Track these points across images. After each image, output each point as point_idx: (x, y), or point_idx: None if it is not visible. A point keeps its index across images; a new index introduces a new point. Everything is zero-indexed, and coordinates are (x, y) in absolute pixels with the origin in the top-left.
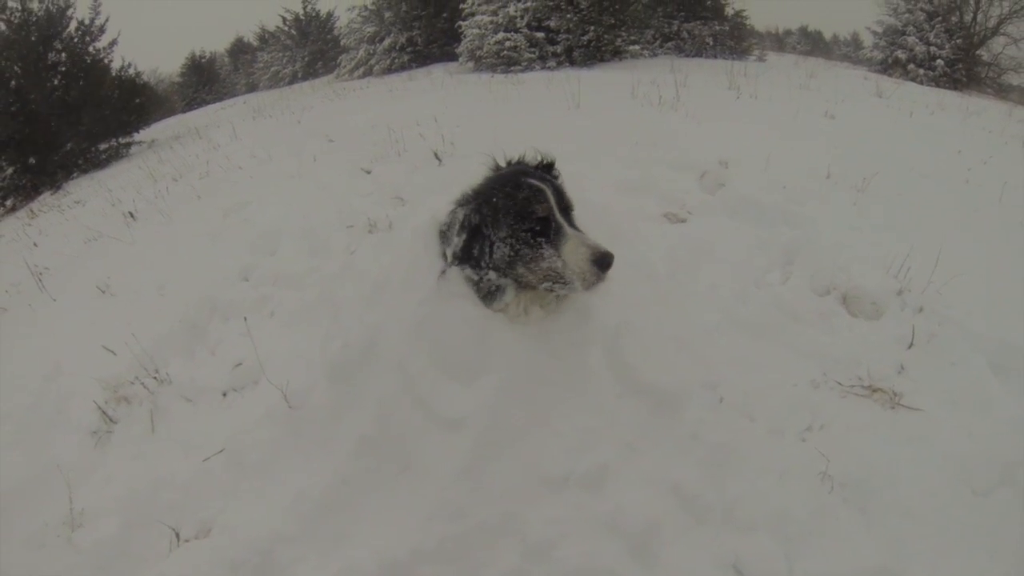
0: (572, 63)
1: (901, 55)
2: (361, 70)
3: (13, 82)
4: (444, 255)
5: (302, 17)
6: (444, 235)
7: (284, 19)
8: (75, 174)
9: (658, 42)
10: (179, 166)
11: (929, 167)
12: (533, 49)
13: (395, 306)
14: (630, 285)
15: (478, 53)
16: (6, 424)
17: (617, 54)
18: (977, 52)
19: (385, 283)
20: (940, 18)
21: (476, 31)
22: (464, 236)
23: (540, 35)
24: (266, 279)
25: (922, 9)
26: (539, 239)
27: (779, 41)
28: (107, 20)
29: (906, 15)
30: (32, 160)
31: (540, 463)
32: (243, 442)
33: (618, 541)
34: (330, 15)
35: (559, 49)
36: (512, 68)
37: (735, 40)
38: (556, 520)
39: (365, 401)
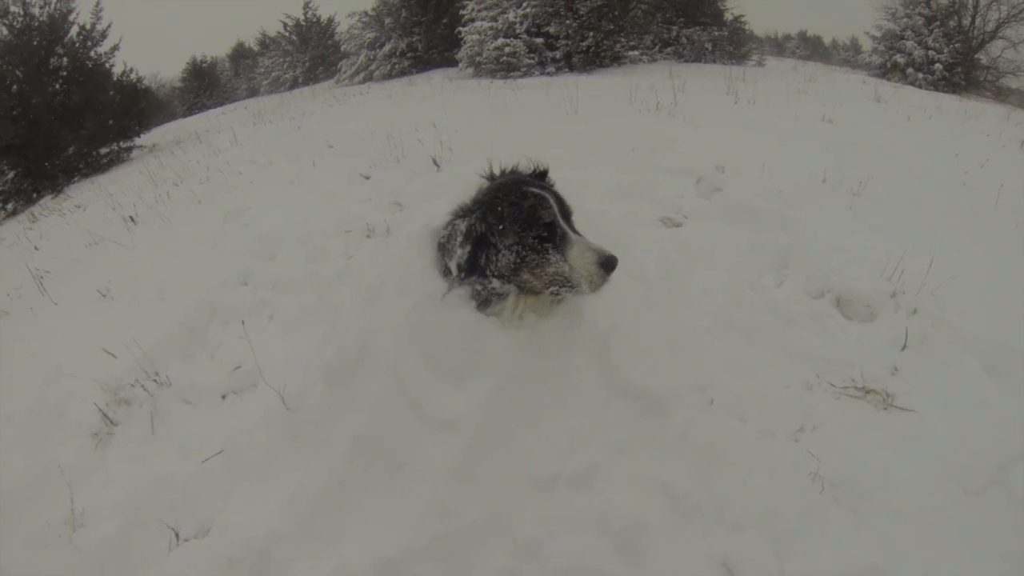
0: (571, 69)
1: (900, 59)
2: (361, 75)
3: (15, 86)
4: (445, 270)
5: (303, 23)
6: (443, 247)
7: (285, 25)
8: (76, 178)
9: (657, 47)
10: (180, 171)
11: (926, 171)
12: (532, 55)
13: (390, 310)
14: (622, 289)
15: (478, 59)
16: (8, 426)
17: (616, 60)
18: (976, 56)
19: (380, 288)
20: (939, 22)
21: (476, 37)
22: (469, 246)
23: (539, 41)
24: (265, 283)
25: (920, 14)
26: (545, 245)
27: (778, 46)
28: (109, 26)
29: (904, 20)
30: (33, 164)
31: (530, 464)
32: (241, 443)
33: (607, 540)
34: (331, 21)
35: (558, 55)
36: (511, 74)
37: (734, 45)
38: (545, 519)
39: (360, 403)
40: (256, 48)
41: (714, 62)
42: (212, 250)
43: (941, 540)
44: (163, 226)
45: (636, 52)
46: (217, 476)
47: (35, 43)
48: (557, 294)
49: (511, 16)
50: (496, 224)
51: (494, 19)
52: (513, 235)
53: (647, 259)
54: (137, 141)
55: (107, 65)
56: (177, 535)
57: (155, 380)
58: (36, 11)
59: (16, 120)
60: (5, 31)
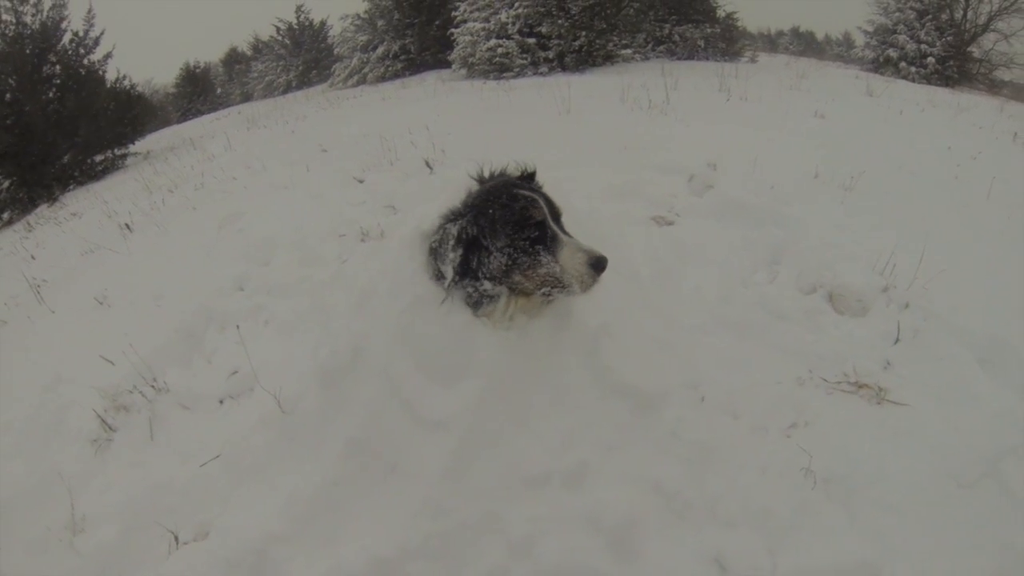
0: (564, 68)
1: (892, 53)
2: (355, 78)
3: (8, 95)
4: (436, 273)
5: (295, 26)
6: (435, 251)
7: (278, 28)
8: (71, 186)
9: (650, 46)
10: (174, 177)
11: (918, 164)
12: (525, 55)
13: (382, 313)
14: (612, 288)
15: (471, 60)
16: (8, 434)
17: (609, 58)
18: (968, 49)
19: (373, 291)
20: (930, 16)
21: (468, 38)
22: (461, 250)
23: (532, 41)
24: (260, 288)
25: (912, 8)
26: (536, 247)
27: (771, 42)
28: (102, 33)
29: (897, 14)
30: (28, 173)
31: (521, 463)
32: (239, 447)
33: (599, 537)
34: (323, 24)
35: (551, 55)
36: (504, 74)
37: (727, 42)
38: (537, 517)
39: (354, 405)
40: (249, 53)
41: (707, 59)
42: (208, 256)
43: (934, 534)
44: (159, 233)
45: (629, 51)
46: (215, 480)
47: (28, 51)
48: (548, 295)
49: (503, 17)
50: (487, 227)
51: (486, 20)
52: (504, 237)
53: (639, 258)
54: (132, 148)
55: (100, 72)
56: (176, 538)
57: (153, 386)
58: (28, 19)
59: (10, 129)
60: None
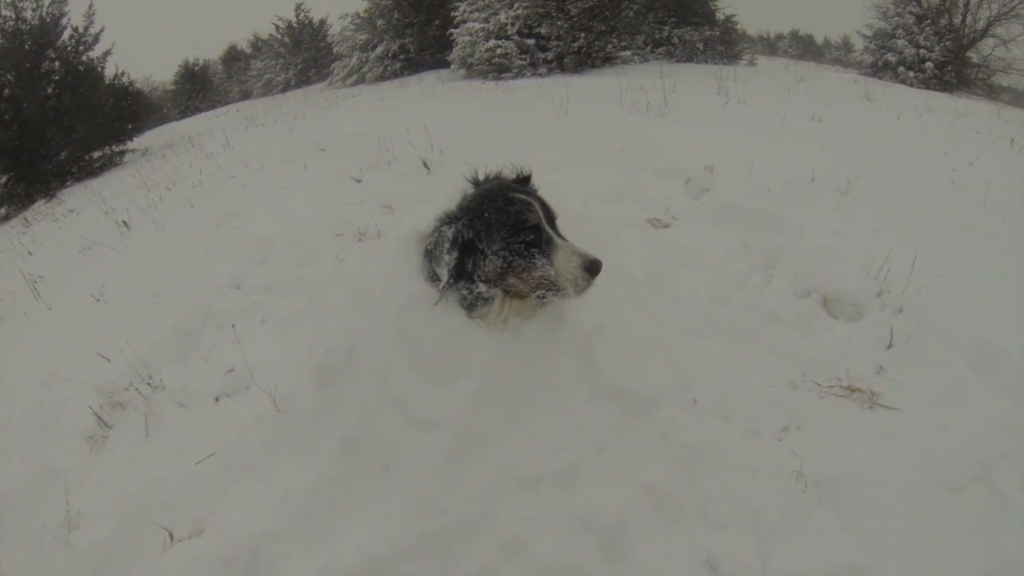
0: (563, 70)
1: (891, 58)
2: (354, 77)
3: (6, 91)
4: (431, 275)
5: (295, 25)
6: (430, 253)
7: (277, 27)
8: (69, 182)
9: (649, 48)
10: (172, 175)
11: (914, 169)
12: (524, 56)
13: (377, 313)
14: (606, 290)
15: (469, 60)
16: (4, 430)
17: (608, 60)
18: (966, 54)
19: (368, 291)
20: (929, 21)
21: (467, 38)
22: (456, 252)
23: (531, 42)
24: (258, 287)
25: (911, 12)
26: (531, 250)
27: (770, 45)
28: (102, 29)
29: (896, 18)
30: (26, 168)
31: (514, 463)
32: (234, 445)
33: (590, 538)
34: (323, 23)
35: (550, 56)
36: (503, 75)
37: (726, 45)
38: (530, 517)
39: (348, 404)
40: (248, 50)
41: (705, 62)
42: (205, 254)
43: (924, 538)
44: (156, 231)
45: (627, 52)
46: (210, 477)
47: (26, 47)
48: (543, 297)
49: (503, 17)
50: (482, 230)
51: (486, 20)
52: (500, 240)
53: (633, 260)
54: (130, 145)
55: (99, 69)
56: (171, 535)
57: (149, 383)
58: (28, 15)
59: (8, 125)
60: None
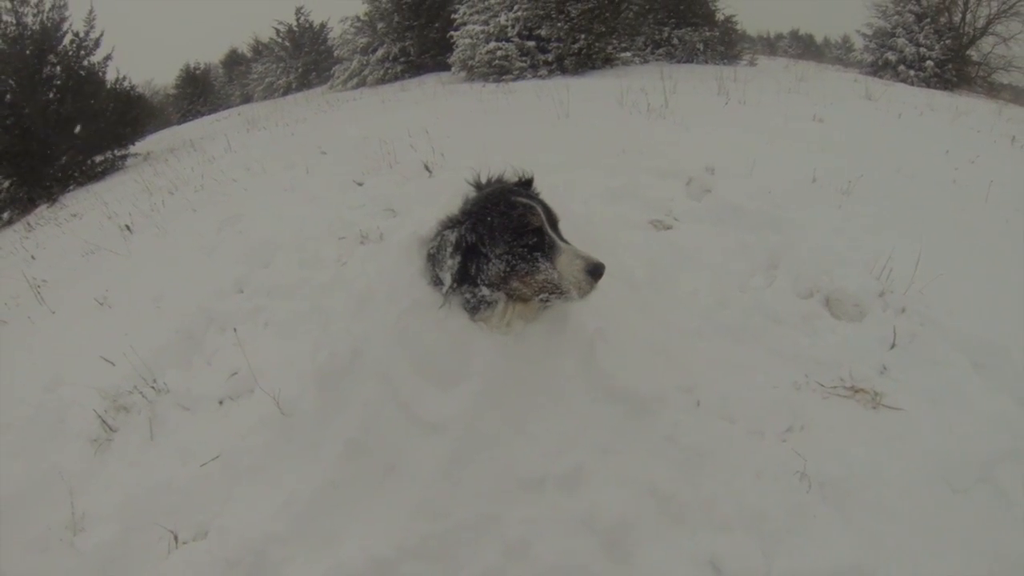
0: (563, 71)
1: (891, 57)
2: (355, 81)
3: (8, 96)
4: (434, 279)
5: (295, 28)
6: (433, 258)
7: (278, 30)
8: (71, 187)
9: (649, 49)
10: (174, 179)
11: (916, 168)
12: (524, 58)
13: (380, 316)
14: (609, 293)
15: (470, 63)
16: (8, 433)
17: (608, 61)
18: (967, 52)
19: (371, 294)
20: (929, 19)
21: (468, 41)
22: (459, 257)
23: (531, 44)
24: (260, 290)
25: (911, 11)
26: (535, 254)
27: (770, 45)
28: (102, 34)
29: (896, 17)
30: (28, 173)
31: (517, 465)
32: (238, 448)
33: (594, 539)
34: (323, 26)
35: (550, 57)
36: (504, 77)
37: (726, 45)
38: (533, 519)
39: (352, 407)
40: (249, 54)
41: (706, 62)
42: (207, 258)
43: (928, 538)
44: (159, 235)
45: (628, 54)
46: (214, 480)
47: (28, 52)
48: (546, 300)
49: (503, 19)
50: (486, 234)
51: (486, 23)
52: (503, 245)
53: (635, 262)
54: (131, 149)
55: (100, 73)
56: (176, 538)
57: (153, 387)
58: (29, 20)
59: (10, 129)
60: None
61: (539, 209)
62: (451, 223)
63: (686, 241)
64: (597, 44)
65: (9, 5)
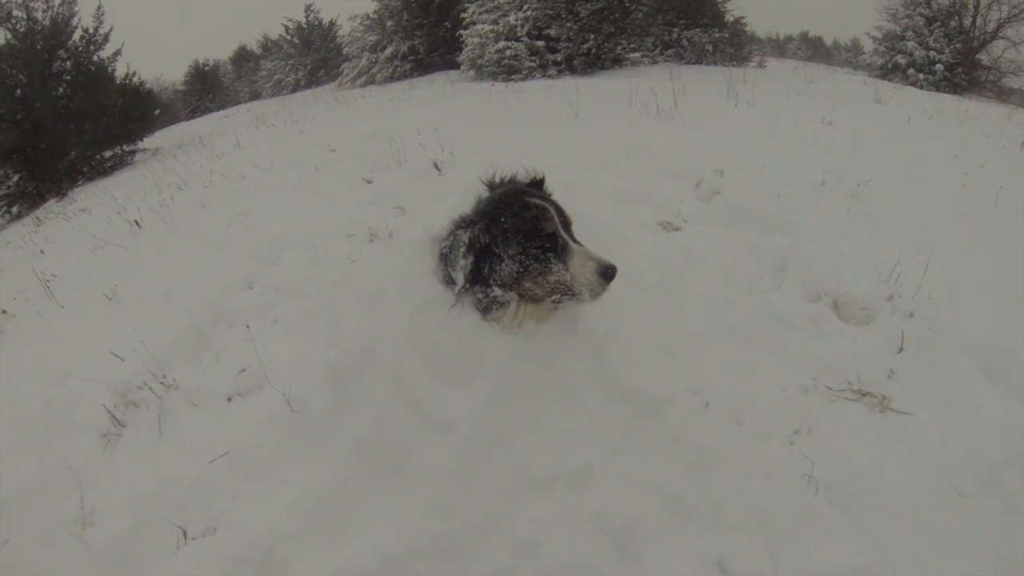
0: (572, 71)
1: (901, 60)
2: (363, 78)
3: (18, 90)
4: (446, 278)
5: (305, 26)
6: (446, 257)
7: (287, 28)
8: (80, 182)
9: (658, 49)
10: (183, 175)
11: (925, 172)
12: (534, 57)
13: (391, 315)
14: (618, 294)
15: (479, 62)
16: (18, 427)
17: (617, 62)
18: (977, 56)
19: (382, 293)
20: (939, 23)
21: (477, 40)
22: (472, 257)
23: (540, 44)
24: (269, 287)
25: (921, 14)
26: (547, 255)
27: (780, 47)
28: (111, 29)
29: (905, 20)
30: (37, 168)
31: (528, 464)
32: (247, 445)
33: (603, 539)
34: (332, 24)
35: (559, 57)
36: (513, 76)
37: (735, 47)
38: (543, 519)
39: (363, 405)
40: (258, 51)
41: (715, 64)
42: (216, 254)
43: (934, 542)
44: (168, 230)
45: (637, 54)
46: (224, 476)
47: (38, 47)
48: (558, 301)
49: (512, 19)
50: (499, 235)
51: (495, 22)
52: (516, 245)
53: (645, 263)
54: (140, 144)
55: (110, 69)
56: (185, 533)
57: (162, 382)
58: (39, 15)
59: (20, 124)
60: (8, 35)
61: (552, 211)
62: (464, 223)
63: (695, 243)
64: (606, 44)
65: (20, 0)
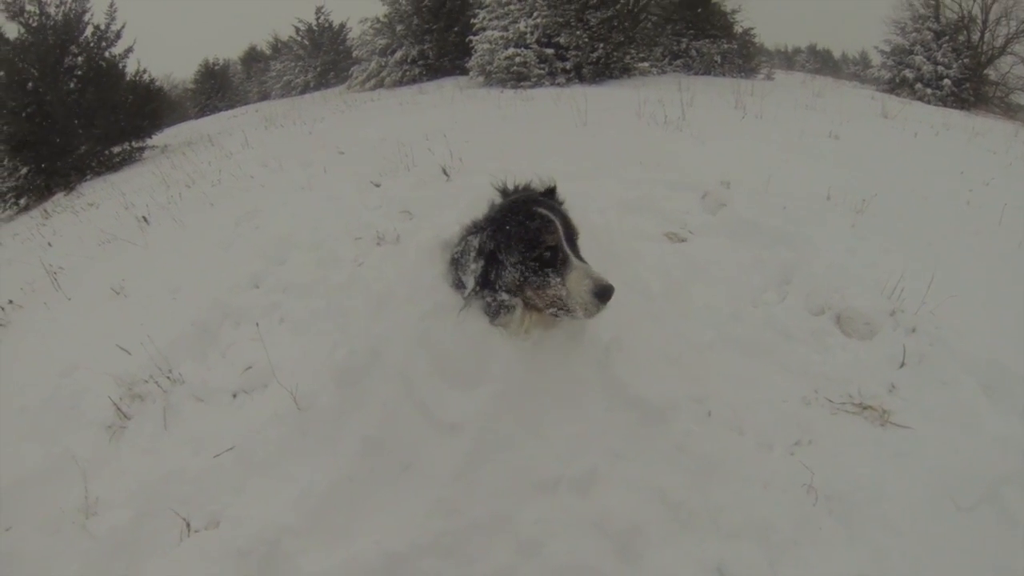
0: (581, 79)
1: (909, 74)
2: (372, 82)
3: (30, 84)
4: (457, 282)
5: (315, 28)
6: (457, 262)
7: (297, 29)
8: (88, 176)
9: (667, 59)
10: (192, 172)
11: (930, 188)
12: (543, 65)
13: (400, 317)
14: (624, 303)
15: (488, 68)
16: (23, 417)
17: (626, 71)
18: (984, 72)
19: (391, 295)
20: (947, 38)
21: (487, 46)
22: (482, 261)
23: (550, 51)
24: (276, 287)
25: (929, 28)
26: (547, 268)
27: (788, 59)
28: (123, 26)
29: (914, 35)
30: (47, 161)
31: (532, 467)
32: (253, 440)
33: (605, 541)
34: (343, 26)
35: (568, 65)
36: (522, 83)
37: (743, 58)
38: (546, 520)
39: (370, 405)
40: (268, 52)
41: (723, 75)
42: (224, 252)
43: (931, 554)
44: (176, 227)
45: (646, 64)
46: (228, 471)
47: (50, 42)
48: (556, 315)
49: (522, 26)
50: (503, 242)
51: (505, 29)
52: (518, 254)
53: (650, 274)
54: (149, 141)
55: (121, 65)
56: (188, 525)
57: (168, 377)
58: (52, 10)
59: (31, 117)
60: (21, 29)
61: (558, 223)
62: (475, 228)
63: (700, 254)
64: (615, 53)
65: None
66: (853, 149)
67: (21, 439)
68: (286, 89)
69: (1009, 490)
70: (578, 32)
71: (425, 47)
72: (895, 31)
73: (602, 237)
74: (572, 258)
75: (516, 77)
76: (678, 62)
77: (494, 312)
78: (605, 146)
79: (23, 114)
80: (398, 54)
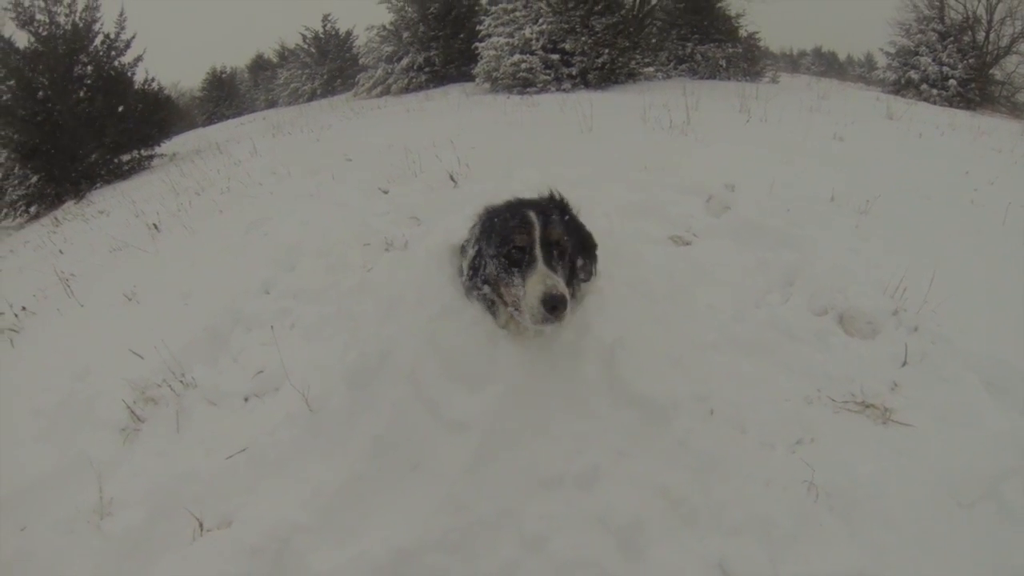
0: (587, 85)
1: (914, 75)
2: (379, 89)
3: (40, 93)
4: (462, 271)
5: (322, 35)
6: (463, 249)
7: (304, 37)
8: (98, 184)
9: (672, 64)
10: (201, 180)
11: (935, 188)
12: (548, 71)
13: (409, 320)
14: (628, 305)
15: (494, 74)
16: (38, 419)
17: (631, 76)
18: (990, 71)
19: (400, 299)
20: (952, 38)
21: (492, 52)
22: (476, 248)
23: (555, 57)
24: (286, 293)
25: (934, 30)
26: (514, 267)
27: (793, 62)
28: (133, 36)
29: (919, 36)
30: (57, 169)
31: (537, 464)
32: (265, 442)
33: (608, 537)
34: (349, 34)
35: (574, 71)
36: (528, 90)
37: (748, 62)
38: (550, 516)
39: (380, 406)
40: (275, 59)
41: (728, 79)
42: (234, 259)
43: (932, 550)
44: (186, 234)
45: (651, 69)
46: (240, 472)
47: (60, 51)
48: (518, 317)
49: (527, 32)
50: (486, 234)
51: (511, 35)
52: (494, 248)
53: (655, 276)
54: (158, 149)
55: (130, 74)
56: (201, 525)
57: (181, 381)
58: (61, 20)
59: (41, 126)
60: (31, 38)
61: (536, 226)
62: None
63: (704, 257)
64: (620, 59)
65: (43, 4)
66: (857, 151)
67: (36, 441)
68: (293, 97)
69: (1010, 487)
70: (583, 38)
71: (431, 54)
72: (900, 32)
73: (607, 240)
74: (539, 262)
75: (522, 83)
76: (683, 66)
77: (488, 307)
78: (610, 151)
79: (33, 123)
80: (404, 61)
